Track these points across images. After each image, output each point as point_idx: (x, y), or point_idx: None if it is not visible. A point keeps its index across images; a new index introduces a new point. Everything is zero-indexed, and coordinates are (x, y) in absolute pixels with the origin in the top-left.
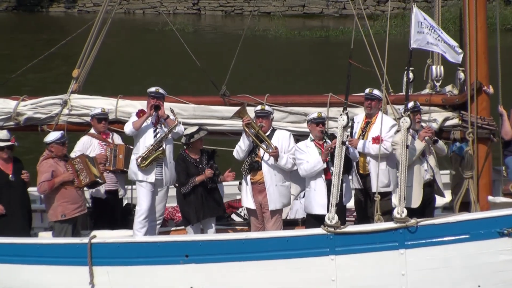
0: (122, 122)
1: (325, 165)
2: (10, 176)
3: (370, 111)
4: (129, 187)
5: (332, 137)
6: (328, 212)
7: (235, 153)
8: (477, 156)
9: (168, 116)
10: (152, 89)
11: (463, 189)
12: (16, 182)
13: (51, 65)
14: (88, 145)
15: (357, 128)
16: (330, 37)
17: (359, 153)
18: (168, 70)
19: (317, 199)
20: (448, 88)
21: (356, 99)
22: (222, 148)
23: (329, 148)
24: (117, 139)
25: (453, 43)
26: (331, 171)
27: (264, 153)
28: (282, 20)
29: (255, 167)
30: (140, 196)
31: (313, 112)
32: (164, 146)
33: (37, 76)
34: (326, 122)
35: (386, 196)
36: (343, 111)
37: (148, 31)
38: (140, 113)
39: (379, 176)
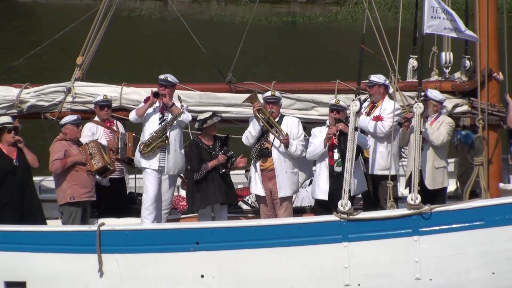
0: (127, 110)
1: (326, 149)
2: (14, 160)
3: (371, 98)
4: (132, 176)
5: (338, 121)
6: (342, 198)
7: (244, 139)
8: (487, 143)
9: (173, 104)
10: (162, 76)
11: (473, 176)
12: (20, 167)
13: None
14: (94, 131)
15: (363, 112)
16: (297, 23)
17: (363, 132)
18: (154, 57)
19: (319, 184)
20: (457, 74)
21: (363, 86)
22: (231, 136)
23: (331, 133)
24: (121, 128)
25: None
26: (334, 158)
27: (273, 139)
28: (248, 6)
29: (265, 154)
30: (146, 183)
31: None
32: (168, 133)
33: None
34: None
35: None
36: (355, 96)
37: (116, 17)
38: (147, 100)
39: (377, 159)
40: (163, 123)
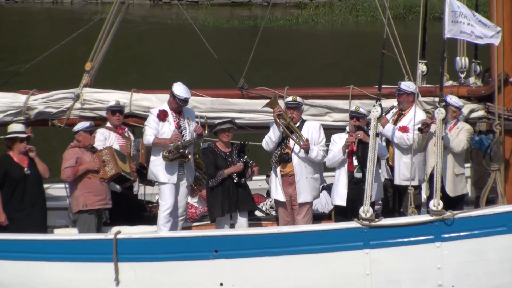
0: (137, 116)
1: (345, 156)
2: (26, 169)
3: (399, 106)
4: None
5: (358, 128)
6: (364, 204)
7: (264, 144)
8: (504, 148)
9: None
10: (182, 96)
11: (490, 182)
12: (31, 175)
13: None
14: (107, 136)
15: (390, 119)
16: (258, 26)
17: (388, 142)
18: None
19: (338, 190)
20: (472, 79)
21: (384, 90)
22: (248, 143)
23: (350, 141)
24: (131, 135)
25: (489, 23)
26: (354, 163)
27: (294, 145)
28: (209, 9)
29: (285, 159)
30: (165, 191)
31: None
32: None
33: None
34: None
35: (415, 189)
36: (376, 102)
37: (77, 20)
38: (160, 114)
39: (401, 169)
40: (186, 141)
